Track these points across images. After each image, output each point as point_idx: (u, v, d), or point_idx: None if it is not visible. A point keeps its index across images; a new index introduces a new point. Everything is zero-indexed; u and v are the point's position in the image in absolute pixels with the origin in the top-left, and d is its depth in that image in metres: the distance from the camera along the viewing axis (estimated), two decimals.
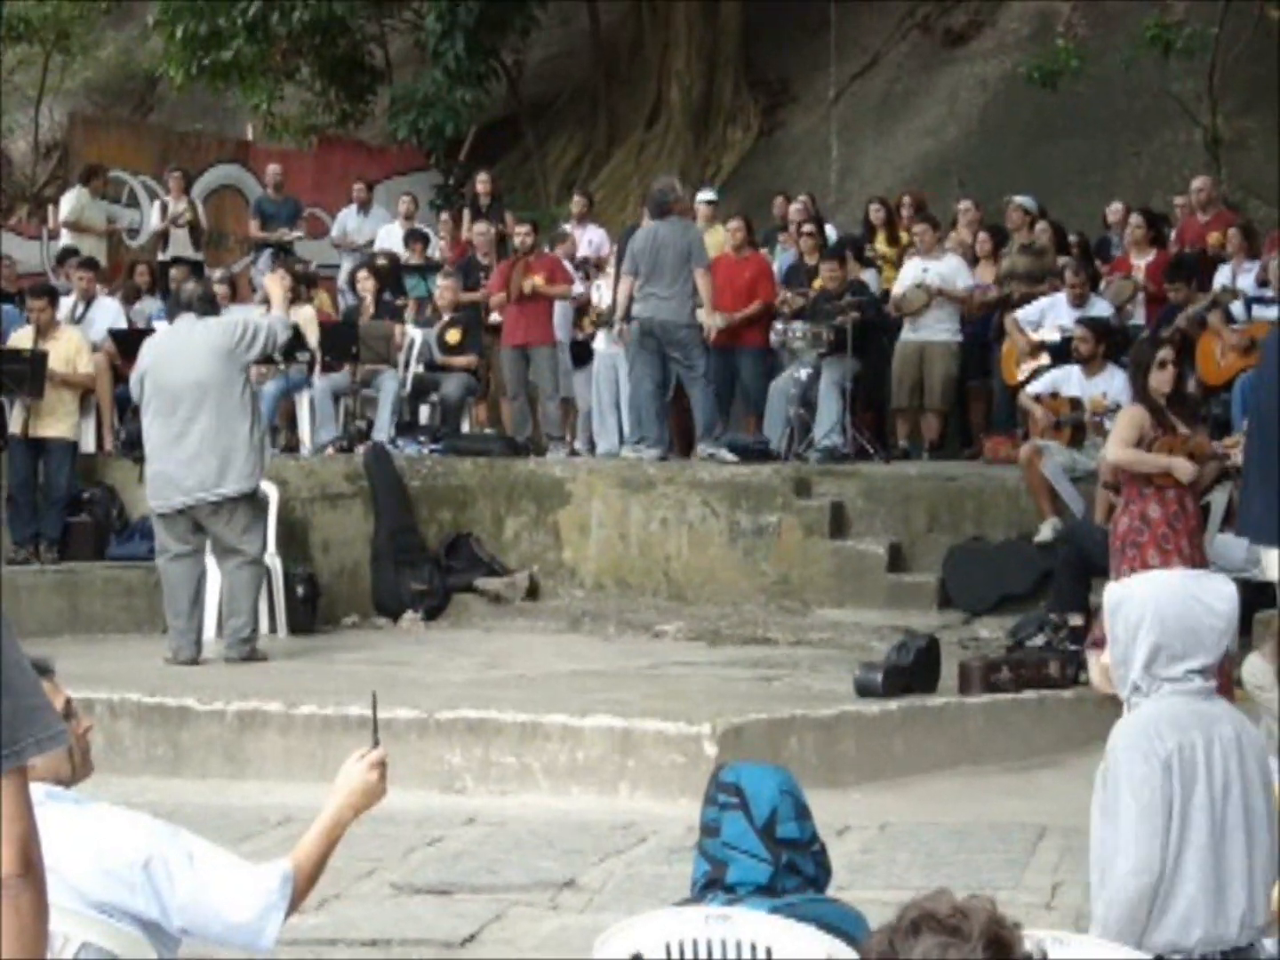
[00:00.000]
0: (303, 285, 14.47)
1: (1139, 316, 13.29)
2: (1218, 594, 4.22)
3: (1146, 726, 4.11)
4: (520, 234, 14.25)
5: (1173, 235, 14.15)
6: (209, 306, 10.64)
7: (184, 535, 10.28)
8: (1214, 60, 16.03)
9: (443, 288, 14.43)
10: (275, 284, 11.06)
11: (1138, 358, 9.11)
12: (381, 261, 15.48)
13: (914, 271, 13.72)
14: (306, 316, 13.48)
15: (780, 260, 14.93)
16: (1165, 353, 8.99)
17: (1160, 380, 8.83)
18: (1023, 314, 12.96)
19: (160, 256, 16.97)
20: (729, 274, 13.48)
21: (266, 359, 12.51)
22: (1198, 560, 8.70)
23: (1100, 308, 12.78)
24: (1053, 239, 14.00)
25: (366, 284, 14.42)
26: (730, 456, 12.47)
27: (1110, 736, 4.21)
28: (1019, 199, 14.52)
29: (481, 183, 17.35)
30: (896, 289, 13.81)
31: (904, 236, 14.99)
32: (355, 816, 3.74)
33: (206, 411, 10.13)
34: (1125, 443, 8.76)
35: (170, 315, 11.84)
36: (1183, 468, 8.65)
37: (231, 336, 10.16)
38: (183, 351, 10.25)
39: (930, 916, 2.27)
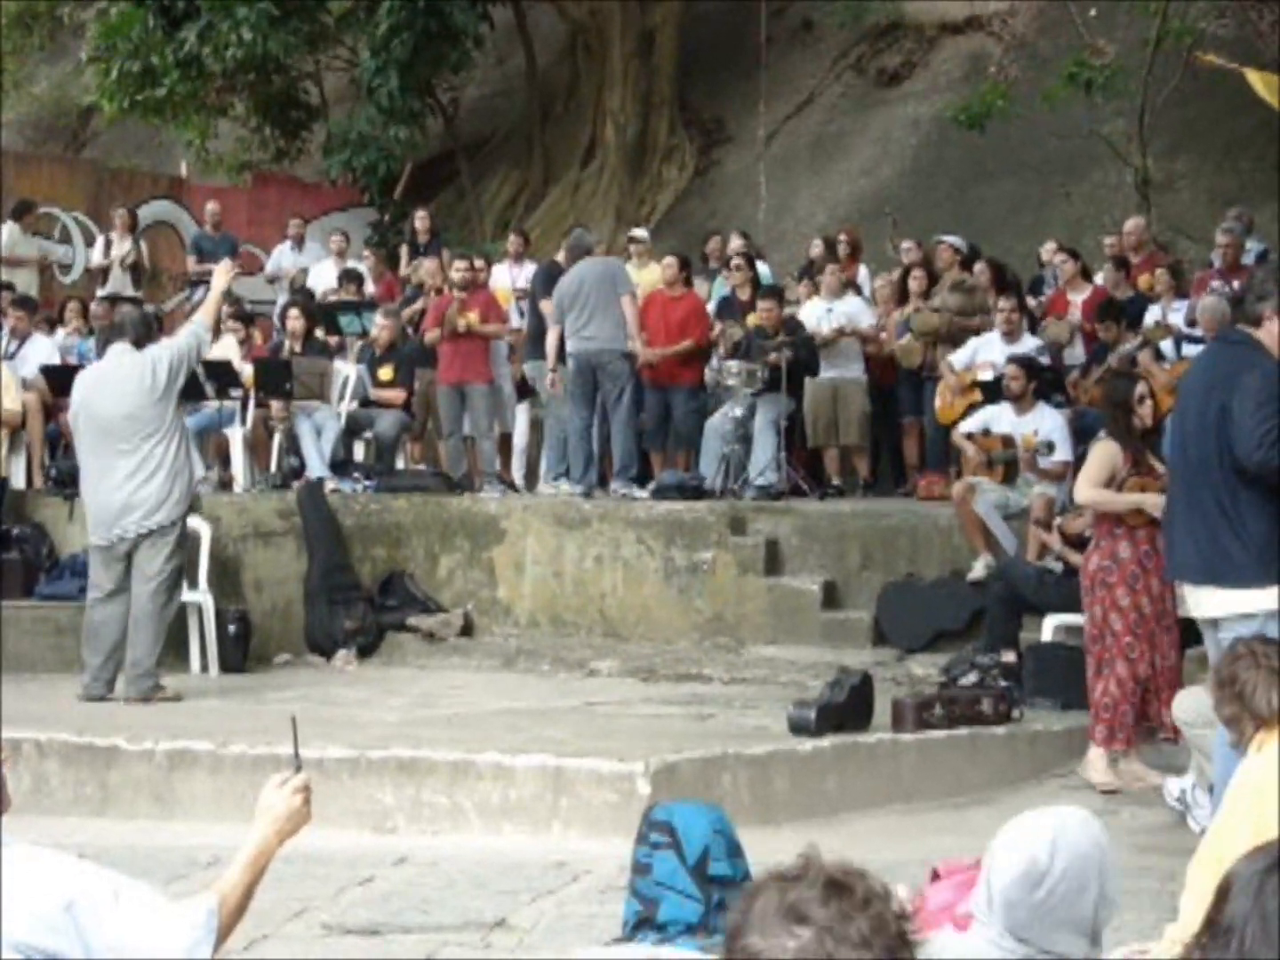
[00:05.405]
0: (238, 321, 14.44)
1: (1077, 355, 13.39)
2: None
3: None
4: (459, 269, 14.22)
5: (1101, 278, 14.22)
6: (145, 334, 10.43)
7: (117, 572, 10.19)
8: (1143, 102, 16.21)
9: (380, 326, 14.39)
10: (221, 274, 10.78)
11: (1115, 395, 8.83)
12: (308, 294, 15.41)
13: (818, 311, 13.84)
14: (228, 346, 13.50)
15: (716, 294, 14.99)
16: (1143, 387, 8.78)
17: (1144, 415, 8.66)
18: (955, 355, 13.06)
19: (99, 293, 16.87)
20: (662, 311, 13.54)
21: (198, 393, 12.49)
22: (1166, 600, 8.53)
23: (1030, 344, 12.87)
24: (991, 279, 14.09)
25: (295, 323, 14.27)
26: (642, 494, 12.51)
27: None
28: (948, 238, 14.65)
29: (420, 219, 17.36)
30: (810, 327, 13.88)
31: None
32: (281, 844, 3.66)
33: (137, 443, 10.04)
34: (1094, 482, 8.56)
35: (103, 344, 11.69)
36: (1154, 502, 8.35)
37: (162, 373, 10.07)
38: (113, 383, 10.15)
39: (771, 872, 2.32)
